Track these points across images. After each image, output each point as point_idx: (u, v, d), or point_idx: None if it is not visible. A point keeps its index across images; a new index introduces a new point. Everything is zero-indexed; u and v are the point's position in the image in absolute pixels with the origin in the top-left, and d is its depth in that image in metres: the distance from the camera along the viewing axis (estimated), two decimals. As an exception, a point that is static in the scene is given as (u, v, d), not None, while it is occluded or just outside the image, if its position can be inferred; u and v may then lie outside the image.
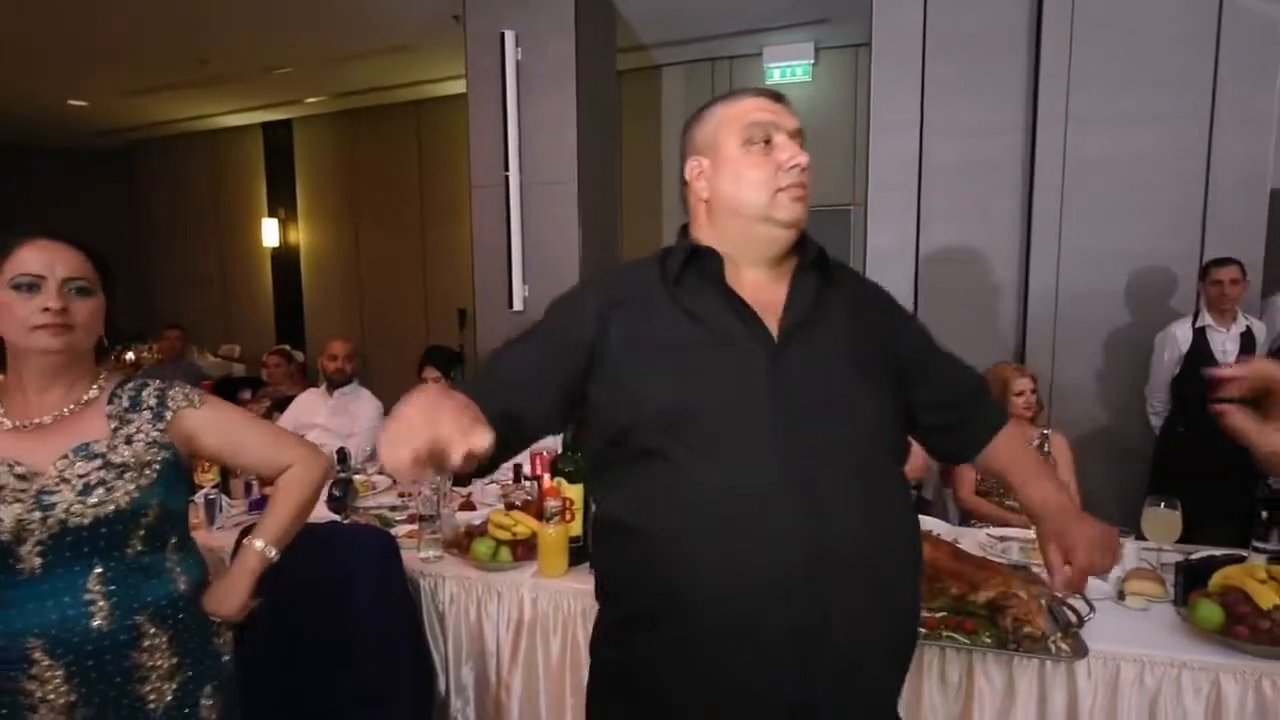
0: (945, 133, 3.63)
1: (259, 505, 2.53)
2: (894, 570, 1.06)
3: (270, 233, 7.61)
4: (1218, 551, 1.94)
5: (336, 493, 2.43)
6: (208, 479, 2.60)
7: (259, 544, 1.37)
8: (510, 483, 2.65)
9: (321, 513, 2.42)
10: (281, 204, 7.66)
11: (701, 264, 1.10)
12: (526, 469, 2.55)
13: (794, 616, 0.98)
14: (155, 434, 1.27)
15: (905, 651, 1.13)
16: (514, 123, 4.03)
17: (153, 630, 1.23)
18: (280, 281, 7.81)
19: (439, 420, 0.75)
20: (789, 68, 5.40)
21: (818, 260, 1.13)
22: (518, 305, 4.14)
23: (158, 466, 1.25)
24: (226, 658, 1.38)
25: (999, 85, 3.56)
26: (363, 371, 3.75)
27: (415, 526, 2.21)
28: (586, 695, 1.20)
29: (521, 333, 1.16)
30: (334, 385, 3.51)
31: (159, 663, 1.24)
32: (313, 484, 1.43)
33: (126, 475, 1.22)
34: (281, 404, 4.04)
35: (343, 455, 2.69)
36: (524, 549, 2.05)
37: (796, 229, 1.11)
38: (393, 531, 2.17)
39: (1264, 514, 1.87)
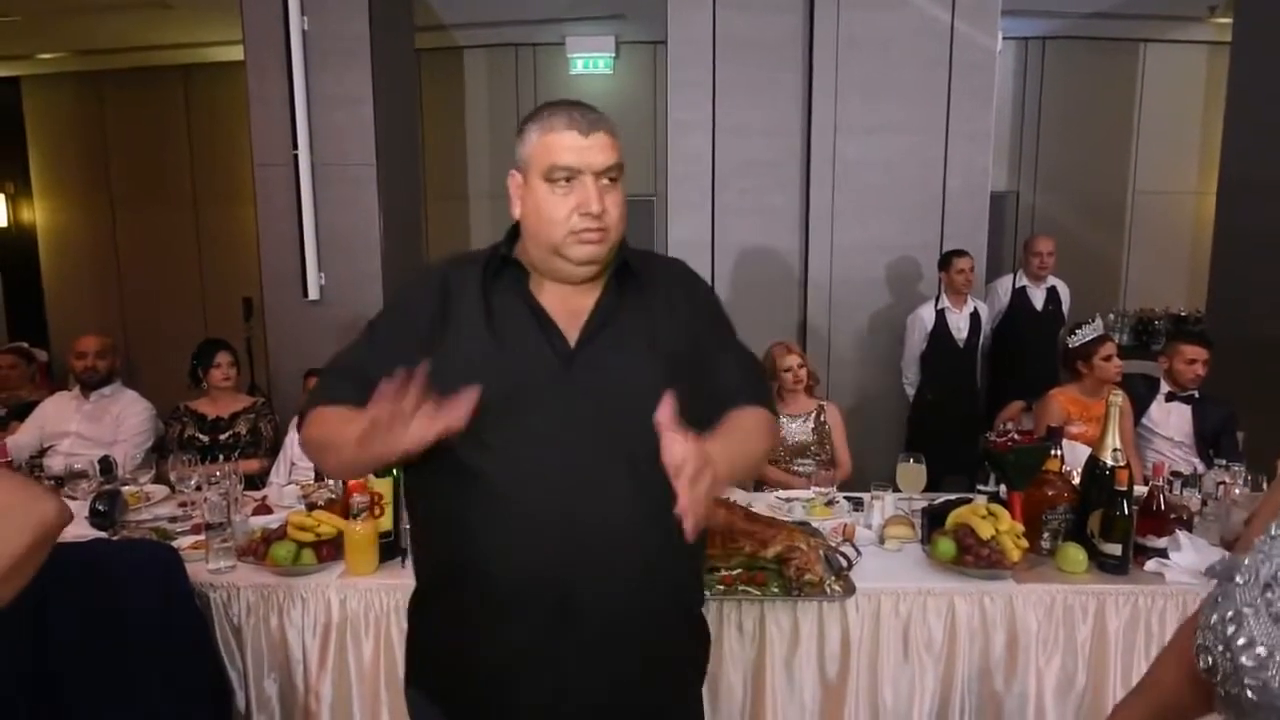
0: (734, 133, 3.92)
1: None
2: (655, 553, 1.11)
3: (-5, 210, 6.42)
4: (953, 496, 2.31)
5: (101, 507, 2.17)
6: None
7: None
8: (312, 482, 2.51)
9: (83, 530, 2.14)
10: (9, 176, 6.47)
11: (511, 273, 1.16)
12: (330, 467, 2.42)
13: (551, 590, 1.09)
14: None
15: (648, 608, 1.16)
16: (302, 98, 3.75)
17: None
18: (13, 268, 6.60)
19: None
20: (591, 59, 5.50)
21: (620, 270, 1.16)
22: (313, 294, 3.87)
23: None
24: None
25: (778, 92, 3.92)
26: (127, 371, 3.33)
27: (201, 537, 2.04)
28: (405, 662, 1.28)
29: (364, 335, 1.22)
30: (89, 387, 3.09)
31: None
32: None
33: None
34: (21, 411, 3.47)
35: (107, 465, 2.39)
36: (329, 549, 1.97)
37: (592, 266, 1.13)
38: (175, 544, 1.98)
39: (985, 463, 2.27)
